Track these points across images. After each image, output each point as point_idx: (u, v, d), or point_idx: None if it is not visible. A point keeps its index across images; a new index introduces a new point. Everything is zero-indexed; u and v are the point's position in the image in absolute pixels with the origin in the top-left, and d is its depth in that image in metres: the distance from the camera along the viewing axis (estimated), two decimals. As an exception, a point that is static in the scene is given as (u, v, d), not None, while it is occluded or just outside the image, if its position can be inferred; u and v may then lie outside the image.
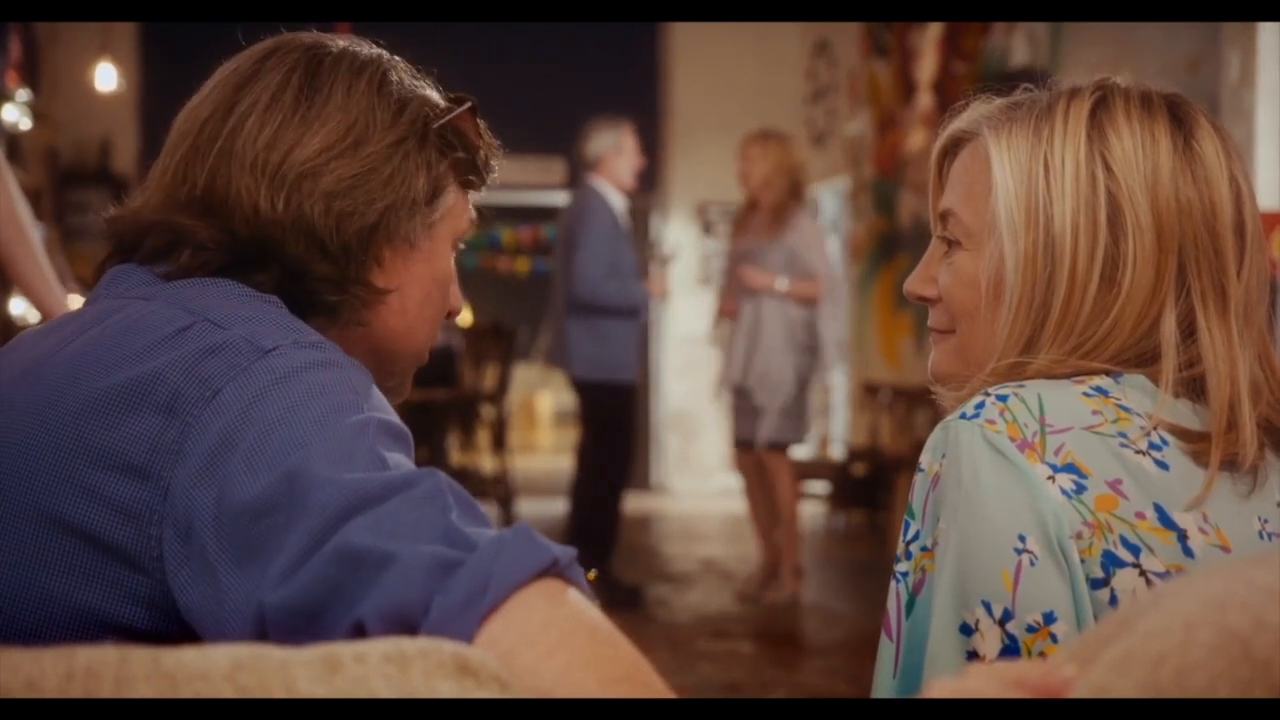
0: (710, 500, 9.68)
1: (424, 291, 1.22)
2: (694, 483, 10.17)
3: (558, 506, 7.47)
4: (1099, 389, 1.15)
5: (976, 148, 1.24)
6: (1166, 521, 1.10)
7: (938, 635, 1.10)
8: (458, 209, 1.23)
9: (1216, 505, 1.13)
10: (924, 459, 1.14)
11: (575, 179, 6.64)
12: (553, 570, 0.90)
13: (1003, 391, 1.13)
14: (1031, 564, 1.07)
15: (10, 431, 1.04)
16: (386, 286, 1.19)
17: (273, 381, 1.02)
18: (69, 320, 1.15)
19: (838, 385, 9.72)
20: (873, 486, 7.90)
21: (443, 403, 7.79)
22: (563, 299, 5.80)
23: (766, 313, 5.85)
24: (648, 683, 0.87)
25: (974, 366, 1.23)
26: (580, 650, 0.86)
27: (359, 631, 0.89)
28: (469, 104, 1.23)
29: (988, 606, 1.08)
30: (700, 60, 10.00)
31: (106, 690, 0.67)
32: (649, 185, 9.09)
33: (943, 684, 0.72)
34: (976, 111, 1.26)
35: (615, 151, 5.80)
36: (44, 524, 1.01)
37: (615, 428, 5.84)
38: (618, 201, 5.84)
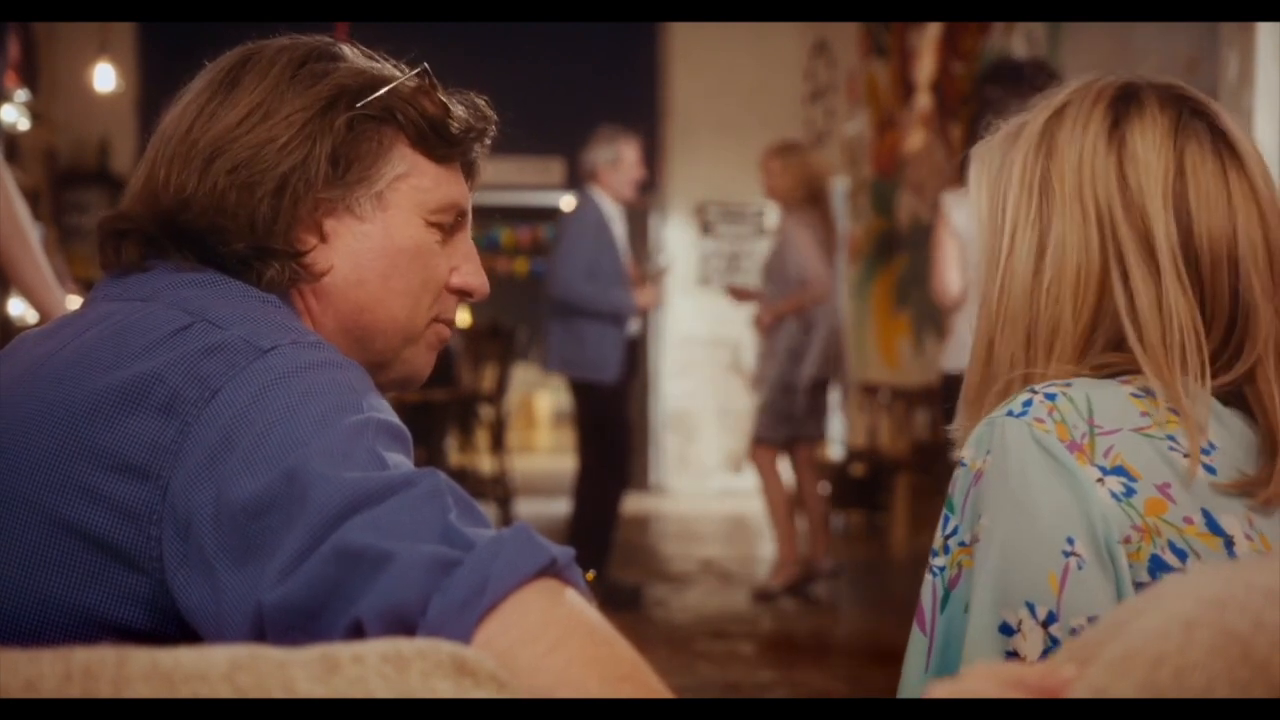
0: (709, 500, 9.68)
1: (386, 263, 1.20)
2: (692, 483, 10.16)
3: (556, 507, 7.48)
4: (1147, 389, 1.13)
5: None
6: (1214, 527, 1.09)
7: (976, 635, 1.08)
8: (421, 182, 1.21)
9: (1263, 513, 1.11)
10: (967, 453, 1.13)
11: (575, 179, 6.68)
12: (551, 570, 0.90)
13: (1050, 390, 1.12)
14: (1079, 567, 1.06)
15: (10, 433, 1.05)
16: (330, 257, 1.18)
17: (272, 381, 1.02)
18: (69, 322, 1.16)
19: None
20: (871, 487, 7.90)
21: (441, 403, 7.79)
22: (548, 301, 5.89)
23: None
24: (647, 682, 0.87)
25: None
26: (579, 649, 0.86)
27: (357, 630, 0.89)
28: (414, 73, 1.22)
29: (1031, 608, 1.07)
30: (699, 60, 10.00)
31: (105, 690, 0.67)
32: (648, 186, 9.09)
33: (942, 684, 0.72)
34: (977, 149, 1.28)
35: (611, 165, 5.84)
36: (45, 525, 1.01)
37: (600, 427, 5.85)
38: (610, 209, 5.86)
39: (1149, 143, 1.16)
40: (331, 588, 0.91)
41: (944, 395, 4.50)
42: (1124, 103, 1.18)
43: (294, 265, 1.17)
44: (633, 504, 8.04)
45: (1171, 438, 1.11)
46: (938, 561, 1.14)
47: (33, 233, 2.69)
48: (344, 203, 1.18)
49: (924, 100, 7.90)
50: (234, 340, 1.05)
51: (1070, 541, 1.07)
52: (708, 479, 10.12)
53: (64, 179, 9.00)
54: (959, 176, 5.48)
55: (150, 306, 1.11)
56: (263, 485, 0.96)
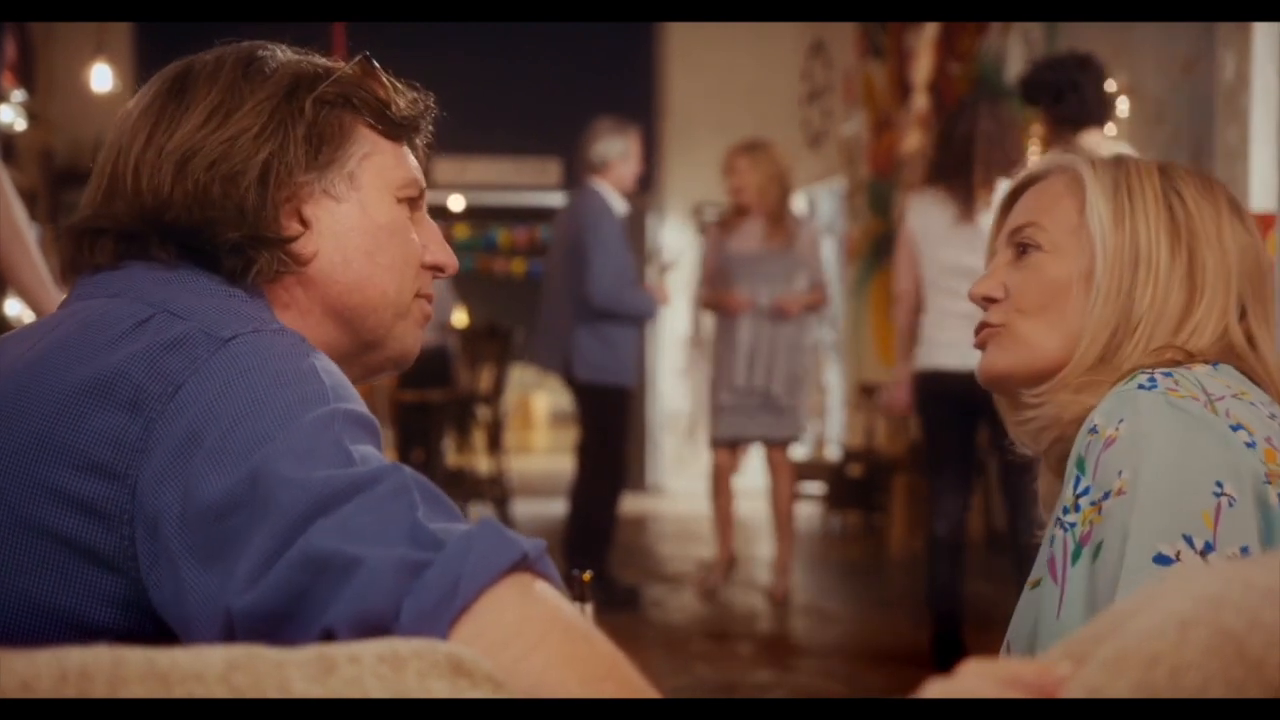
0: (706, 501, 9.65)
1: (368, 240, 1.21)
2: (690, 483, 10.15)
3: (554, 507, 7.47)
4: (1210, 374, 1.32)
5: (1061, 174, 1.44)
6: None
7: (1134, 563, 1.22)
8: (385, 161, 1.23)
9: None
10: (1098, 421, 1.28)
11: (573, 179, 6.60)
12: (522, 564, 0.90)
13: (1164, 370, 1.32)
14: (1230, 505, 1.23)
15: None
16: (314, 242, 1.18)
17: (236, 375, 1.01)
18: (44, 321, 1.16)
19: (834, 387, 9.72)
20: (868, 487, 7.90)
21: (438, 404, 7.78)
22: (569, 303, 5.74)
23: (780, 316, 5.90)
24: (628, 679, 0.87)
25: (1036, 352, 1.40)
26: (557, 648, 0.86)
27: (329, 639, 0.87)
28: (358, 59, 1.24)
29: (1189, 540, 1.22)
30: (697, 61, 10.00)
31: (100, 691, 0.67)
32: (645, 186, 9.10)
33: (938, 684, 0.72)
34: (1054, 158, 1.47)
35: (623, 158, 5.74)
36: (19, 529, 1.00)
37: (615, 430, 5.84)
38: (620, 206, 5.80)
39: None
40: (300, 595, 0.90)
41: (920, 392, 4.59)
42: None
43: (282, 254, 1.17)
44: (631, 504, 8.04)
45: (1253, 404, 1.30)
46: (1069, 518, 1.28)
47: (30, 233, 2.69)
48: (320, 185, 1.19)
49: (921, 101, 7.90)
50: (193, 332, 1.05)
51: (1219, 485, 1.23)
52: (705, 480, 10.10)
53: (61, 179, 8.99)
54: (923, 178, 5.46)
55: (116, 301, 1.11)
56: (228, 485, 0.95)
